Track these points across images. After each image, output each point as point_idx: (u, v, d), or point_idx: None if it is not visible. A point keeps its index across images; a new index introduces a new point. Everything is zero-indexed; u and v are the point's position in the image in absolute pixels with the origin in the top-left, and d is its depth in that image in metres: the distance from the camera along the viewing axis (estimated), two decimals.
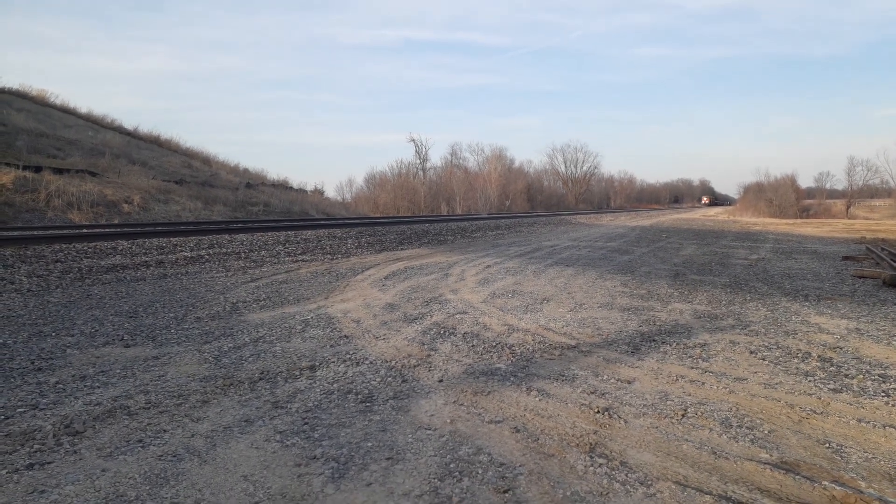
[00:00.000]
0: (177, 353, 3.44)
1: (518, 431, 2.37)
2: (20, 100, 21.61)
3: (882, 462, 2.14)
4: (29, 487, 1.87)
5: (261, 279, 6.39)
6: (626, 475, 2.01)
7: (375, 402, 2.68)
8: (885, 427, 2.46)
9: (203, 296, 5.31)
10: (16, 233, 8.50)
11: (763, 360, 3.46)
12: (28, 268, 6.00)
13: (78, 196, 13.27)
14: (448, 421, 2.47)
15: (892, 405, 2.72)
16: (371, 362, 3.31)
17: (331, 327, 4.16)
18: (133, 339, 3.76)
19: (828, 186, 49.35)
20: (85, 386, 2.82)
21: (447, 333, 4.02)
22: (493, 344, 3.75)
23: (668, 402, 2.72)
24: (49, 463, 2.04)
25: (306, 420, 2.45)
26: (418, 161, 45.76)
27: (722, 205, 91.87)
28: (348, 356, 3.42)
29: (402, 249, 10.22)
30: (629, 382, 3.01)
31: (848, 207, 40.75)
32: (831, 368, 3.29)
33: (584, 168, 71.42)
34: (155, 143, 24.84)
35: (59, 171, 14.48)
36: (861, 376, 3.14)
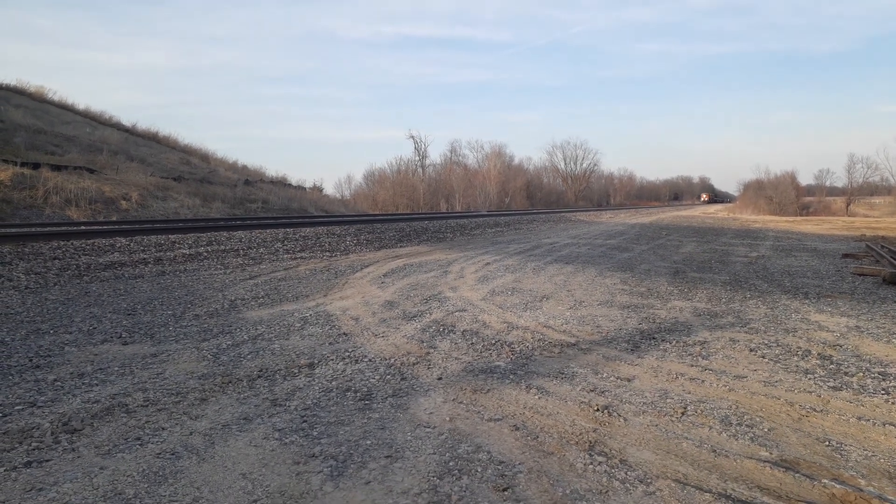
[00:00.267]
0: (175, 350, 3.43)
1: (517, 429, 2.37)
2: (18, 96, 21.53)
3: (882, 460, 2.13)
4: (27, 485, 1.86)
5: (259, 276, 6.38)
6: (626, 473, 2.01)
7: (374, 400, 2.67)
8: (884, 425, 2.46)
9: (201, 293, 5.30)
10: (13, 230, 8.48)
11: (763, 357, 3.45)
12: (26, 265, 5.98)
13: (76, 193, 13.23)
14: (447, 419, 2.46)
15: (892, 403, 2.72)
16: (370, 360, 3.30)
17: (330, 325, 4.15)
18: (131, 336, 3.75)
19: (828, 184, 49.41)
20: (83, 383, 2.81)
21: (446, 331, 4.01)
22: (493, 342, 3.75)
23: (668, 400, 2.72)
24: (47, 461, 2.03)
25: (305, 418, 2.45)
26: (417, 158, 45.67)
27: (722, 202, 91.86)
28: (347, 354, 3.41)
29: (401, 247, 10.21)
30: (629, 380, 3.01)
31: (848, 205, 40.78)
32: (831, 366, 3.29)
33: (584, 165, 71.42)
34: (153, 139, 24.78)
35: (57, 167, 14.44)
36: (861, 374, 3.14)
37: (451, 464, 2.05)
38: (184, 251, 7.62)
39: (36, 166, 13.81)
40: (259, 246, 8.68)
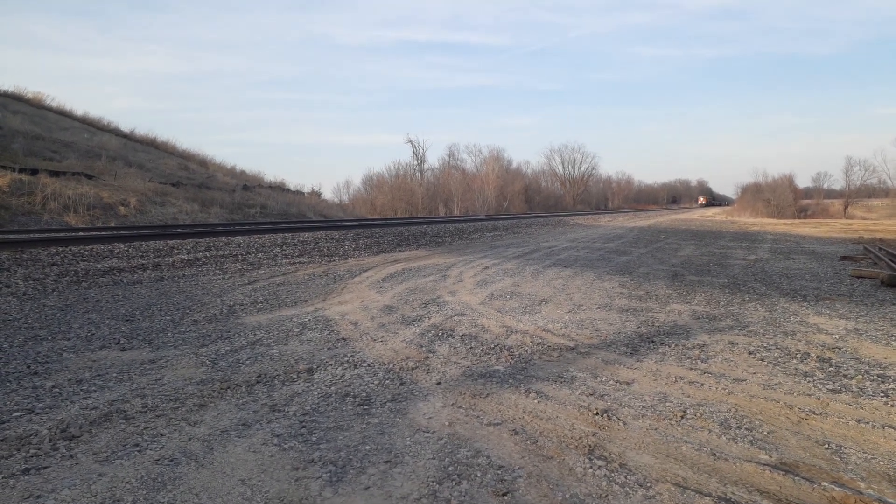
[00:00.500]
0: (173, 356, 3.43)
1: (517, 434, 2.36)
2: (16, 102, 21.54)
3: (881, 462, 2.14)
4: (25, 492, 1.85)
5: (258, 282, 6.37)
6: (626, 477, 2.00)
7: (373, 405, 2.66)
8: (884, 427, 2.46)
9: (200, 299, 5.30)
10: (12, 236, 8.47)
11: (762, 360, 3.46)
12: (24, 271, 5.97)
13: (74, 199, 13.23)
14: (446, 423, 2.46)
15: (891, 405, 2.72)
16: (369, 365, 3.30)
17: (328, 330, 4.15)
18: (129, 342, 3.74)
19: (825, 186, 49.54)
20: (81, 390, 2.80)
21: (445, 335, 4.01)
22: (492, 346, 3.74)
23: (667, 404, 2.72)
24: (45, 468, 2.02)
25: (304, 423, 2.44)
26: (416, 162, 45.74)
27: (720, 205, 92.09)
28: (346, 359, 3.41)
29: (399, 251, 10.21)
30: (628, 384, 3.01)
31: (846, 207, 40.91)
32: (830, 369, 3.29)
33: (582, 169, 71.59)
34: (151, 145, 24.81)
35: (55, 173, 14.43)
36: (860, 376, 3.15)
37: (450, 469, 2.05)
38: (182, 257, 7.62)
39: (34, 172, 13.81)
40: (257, 251, 8.68)
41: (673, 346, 3.78)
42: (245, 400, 2.71)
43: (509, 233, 16.05)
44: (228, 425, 2.41)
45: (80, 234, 9.24)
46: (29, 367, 3.16)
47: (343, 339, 3.90)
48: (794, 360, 3.45)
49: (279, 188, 26.32)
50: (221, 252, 8.24)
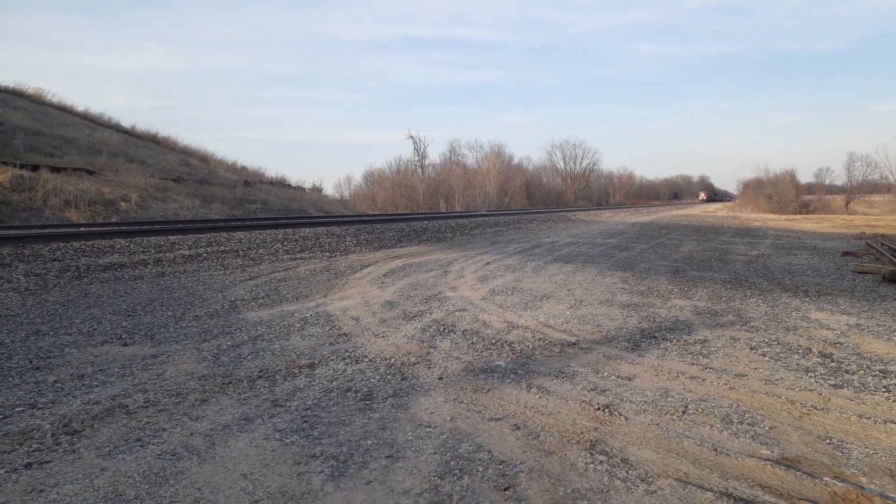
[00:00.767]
0: (175, 351, 3.43)
1: (518, 429, 2.36)
2: (17, 98, 21.51)
3: (883, 458, 2.13)
4: (27, 487, 1.86)
5: (259, 277, 6.37)
6: (627, 472, 2.00)
7: (375, 400, 2.67)
8: (886, 423, 2.45)
9: (201, 294, 5.30)
10: (13, 231, 8.47)
11: (763, 356, 3.45)
12: (26, 266, 5.98)
13: (75, 194, 13.22)
14: (448, 418, 2.46)
15: (893, 401, 2.71)
16: (370, 360, 3.30)
17: (330, 325, 4.15)
18: (131, 337, 3.74)
19: (827, 182, 49.40)
20: (83, 385, 2.81)
21: (447, 331, 4.01)
22: (493, 341, 3.74)
23: (669, 399, 2.72)
24: (48, 462, 2.03)
25: (306, 418, 2.44)
26: (417, 158, 45.65)
27: (721, 201, 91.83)
28: (347, 354, 3.41)
29: (400, 247, 10.20)
30: (629, 379, 3.00)
31: (847, 203, 40.83)
32: (832, 364, 3.29)
33: (584, 164, 71.38)
34: (152, 141, 24.77)
35: (56, 169, 14.42)
36: (862, 372, 3.14)
37: (451, 463, 2.05)
38: (183, 252, 7.62)
39: (35, 168, 13.80)
40: (259, 247, 8.68)
41: (674, 341, 3.77)
42: (247, 395, 2.71)
43: (510, 228, 16.03)
44: (230, 420, 2.41)
45: (82, 229, 9.24)
46: (31, 362, 3.16)
47: (344, 334, 3.90)
48: (796, 356, 3.45)
49: (280, 184, 26.30)
50: (223, 247, 8.25)
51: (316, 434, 2.29)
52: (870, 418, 2.50)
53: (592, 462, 2.08)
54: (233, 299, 5.05)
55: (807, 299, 5.32)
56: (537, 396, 2.74)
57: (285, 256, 8.21)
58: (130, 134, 24.21)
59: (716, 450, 2.19)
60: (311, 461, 2.06)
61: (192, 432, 2.29)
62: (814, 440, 2.29)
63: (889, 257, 8.13)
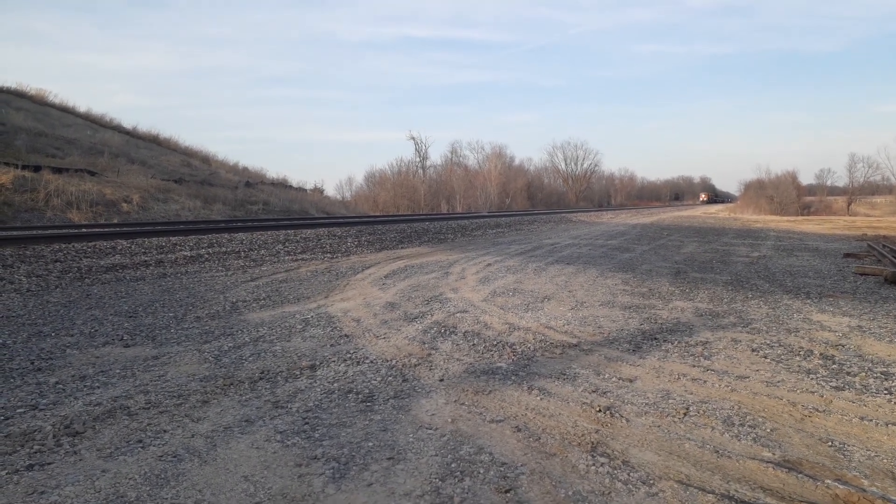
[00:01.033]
0: (177, 352, 3.43)
1: (519, 431, 2.36)
2: (19, 99, 21.56)
3: (885, 460, 2.13)
4: (29, 488, 1.86)
5: (260, 278, 6.38)
6: (629, 474, 2.00)
7: (376, 402, 2.67)
8: (887, 425, 2.45)
9: (203, 295, 5.31)
10: (15, 232, 8.49)
11: (765, 357, 3.45)
12: (27, 267, 5.99)
13: (77, 195, 13.25)
14: (449, 420, 2.46)
15: (895, 403, 2.71)
16: (372, 361, 3.30)
17: (331, 326, 4.15)
18: (133, 338, 3.75)
19: (829, 183, 49.39)
20: (85, 386, 2.81)
21: (448, 332, 4.01)
22: (494, 343, 3.74)
23: (670, 401, 2.71)
24: (49, 464, 2.03)
25: (307, 420, 2.44)
26: (418, 159, 45.67)
27: (722, 202, 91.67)
28: (349, 355, 3.41)
29: (402, 248, 10.21)
30: (631, 381, 3.00)
31: (849, 204, 40.78)
32: (833, 366, 3.28)
33: (585, 165, 71.36)
34: (154, 141, 24.81)
35: (58, 170, 14.45)
36: (863, 374, 3.13)
37: (453, 465, 2.05)
38: (185, 253, 7.63)
39: (37, 169, 13.83)
40: (260, 248, 8.69)
41: (676, 343, 3.77)
42: (248, 396, 2.71)
43: (512, 230, 16.03)
44: (231, 422, 2.41)
45: (83, 230, 9.26)
46: (32, 363, 3.17)
47: (346, 335, 3.90)
48: (798, 358, 3.44)
49: (282, 185, 26.32)
50: (224, 249, 8.26)
51: (317, 436, 2.29)
52: (871, 420, 2.50)
53: (594, 464, 2.08)
54: (234, 300, 5.05)
55: (808, 301, 5.31)
56: (538, 398, 2.74)
57: (287, 257, 8.22)
58: (132, 135, 24.25)
59: (717, 452, 2.18)
60: (313, 463, 2.06)
61: (193, 434, 2.29)
62: (815, 442, 2.28)
63: (891, 259, 8.11)
